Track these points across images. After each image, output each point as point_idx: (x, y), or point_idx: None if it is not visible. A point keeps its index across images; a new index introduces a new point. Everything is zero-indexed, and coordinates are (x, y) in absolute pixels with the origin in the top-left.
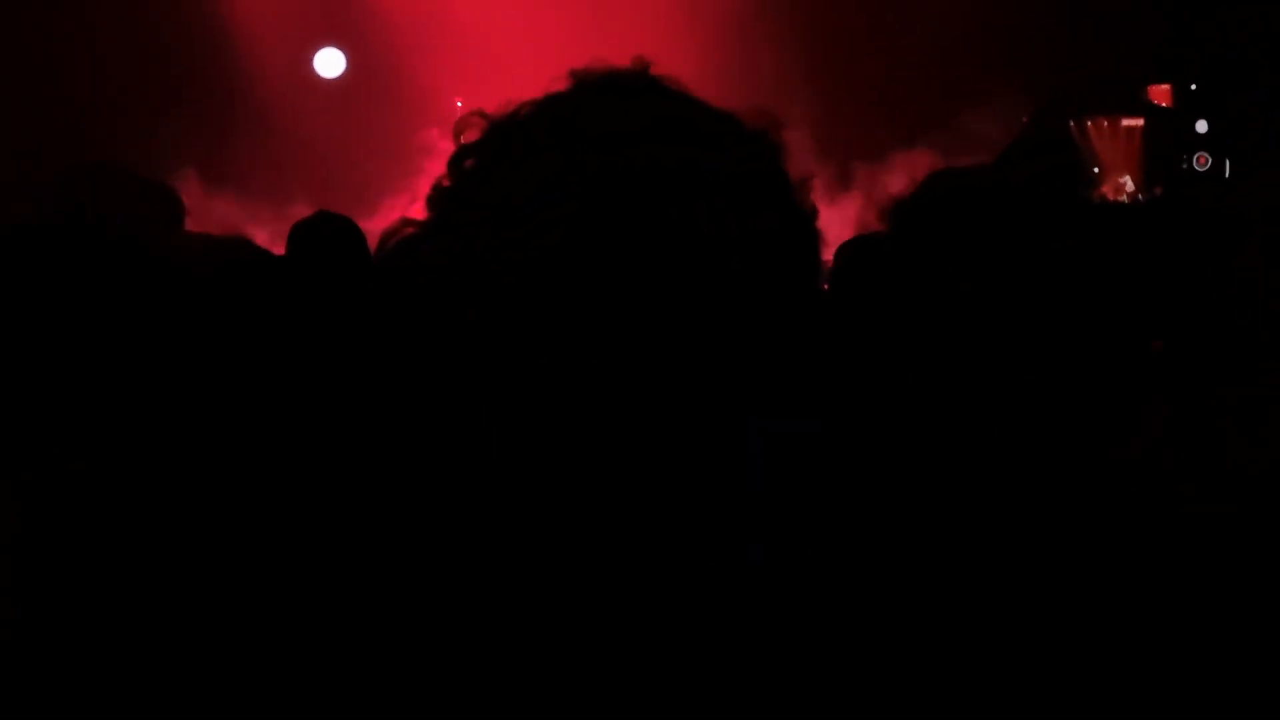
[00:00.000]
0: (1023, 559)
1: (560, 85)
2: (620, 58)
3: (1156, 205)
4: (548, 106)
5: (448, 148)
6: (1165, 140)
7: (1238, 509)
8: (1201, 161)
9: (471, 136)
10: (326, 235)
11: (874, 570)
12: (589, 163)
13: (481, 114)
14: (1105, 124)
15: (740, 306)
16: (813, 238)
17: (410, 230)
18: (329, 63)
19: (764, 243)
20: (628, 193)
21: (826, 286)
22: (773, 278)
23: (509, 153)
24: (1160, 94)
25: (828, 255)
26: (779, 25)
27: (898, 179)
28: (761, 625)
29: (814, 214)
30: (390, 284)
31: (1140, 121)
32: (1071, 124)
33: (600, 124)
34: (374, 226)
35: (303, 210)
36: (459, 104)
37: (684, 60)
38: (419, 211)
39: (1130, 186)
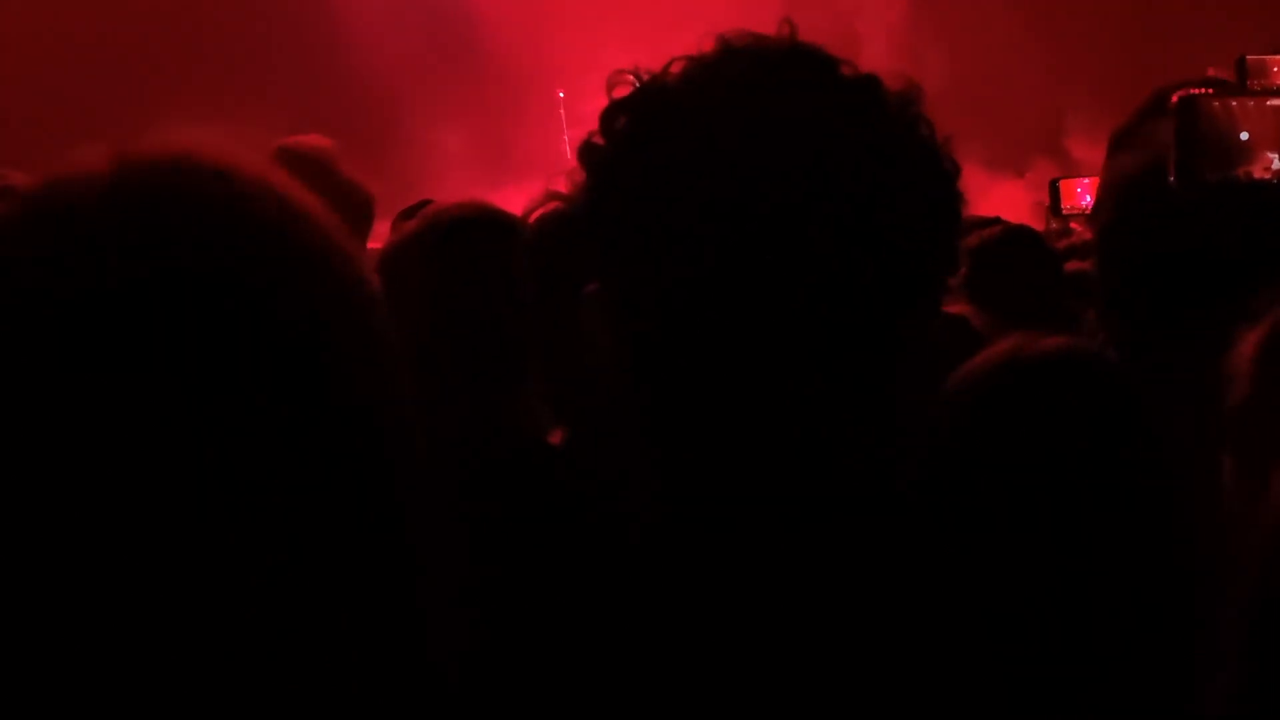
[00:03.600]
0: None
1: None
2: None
3: None
4: (697, 69)
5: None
6: None
7: None
8: None
9: (621, 93)
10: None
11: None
12: (737, 126)
13: (631, 71)
14: (1250, 104)
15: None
16: (955, 196)
17: (557, 204)
18: None
19: (909, 203)
20: (778, 156)
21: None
22: (918, 236)
23: (661, 118)
24: None
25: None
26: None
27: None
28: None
29: (957, 172)
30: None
31: None
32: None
33: (750, 88)
34: None
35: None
36: (560, 95)
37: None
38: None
39: (1277, 164)
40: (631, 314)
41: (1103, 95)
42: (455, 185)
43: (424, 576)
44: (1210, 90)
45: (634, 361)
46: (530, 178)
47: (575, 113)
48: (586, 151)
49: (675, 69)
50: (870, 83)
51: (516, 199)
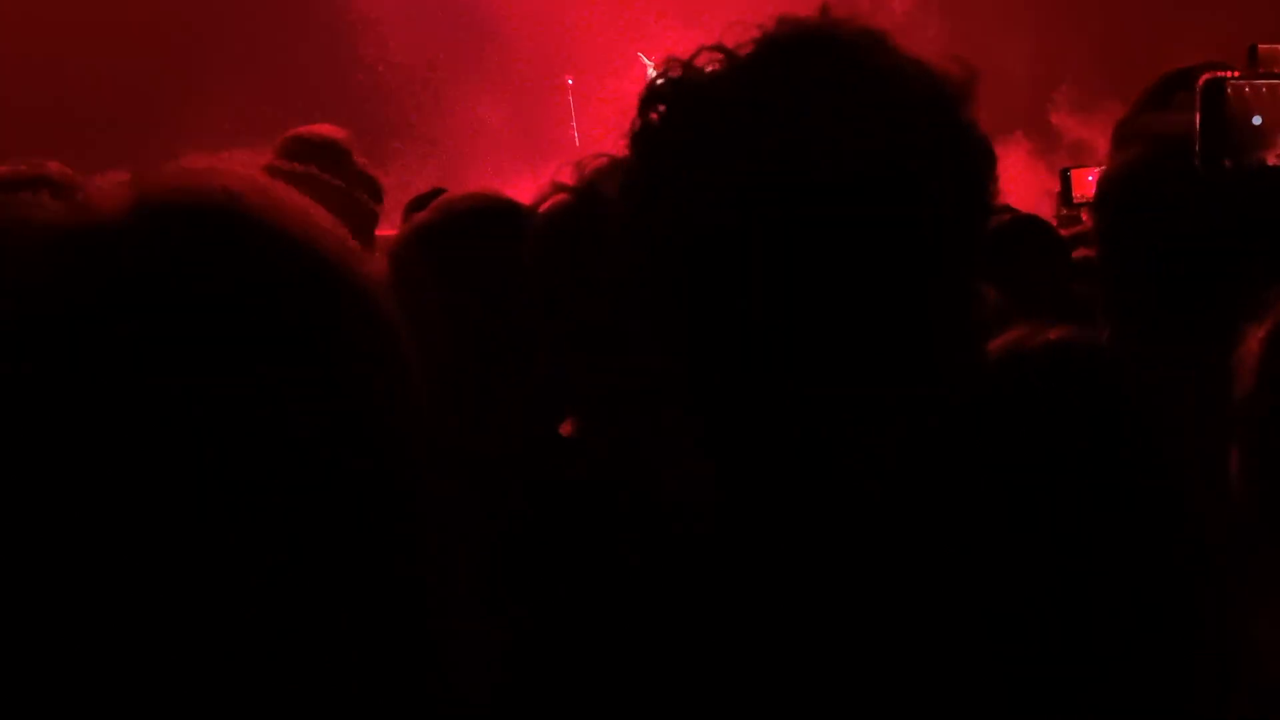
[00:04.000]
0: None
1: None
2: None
3: None
4: (738, 59)
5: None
6: None
7: None
8: None
9: (662, 82)
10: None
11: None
12: (777, 113)
13: (673, 58)
14: (1264, 88)
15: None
16: (989, 186)
17: (563, 196)
18: None
19: (946, 190)
20: (818, 141)
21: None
22: (951, 225)
23: (699, 108)
24: None
25: None
26: None
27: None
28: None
29: (993, 161)
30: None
31: None
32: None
33: (789, 73)
34: None
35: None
36: (570, 81)
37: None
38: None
39: None
40: (678, 305)
41: (1089, 73)
42: (464, 174)
43: (433, 575)
44: (1234, 74)
45: (682, 351)
46: (540, 165)
47: (584, 99)
48: (631, 142)
49: (718, 57)
50: (916, 68)
51: (526, 187)
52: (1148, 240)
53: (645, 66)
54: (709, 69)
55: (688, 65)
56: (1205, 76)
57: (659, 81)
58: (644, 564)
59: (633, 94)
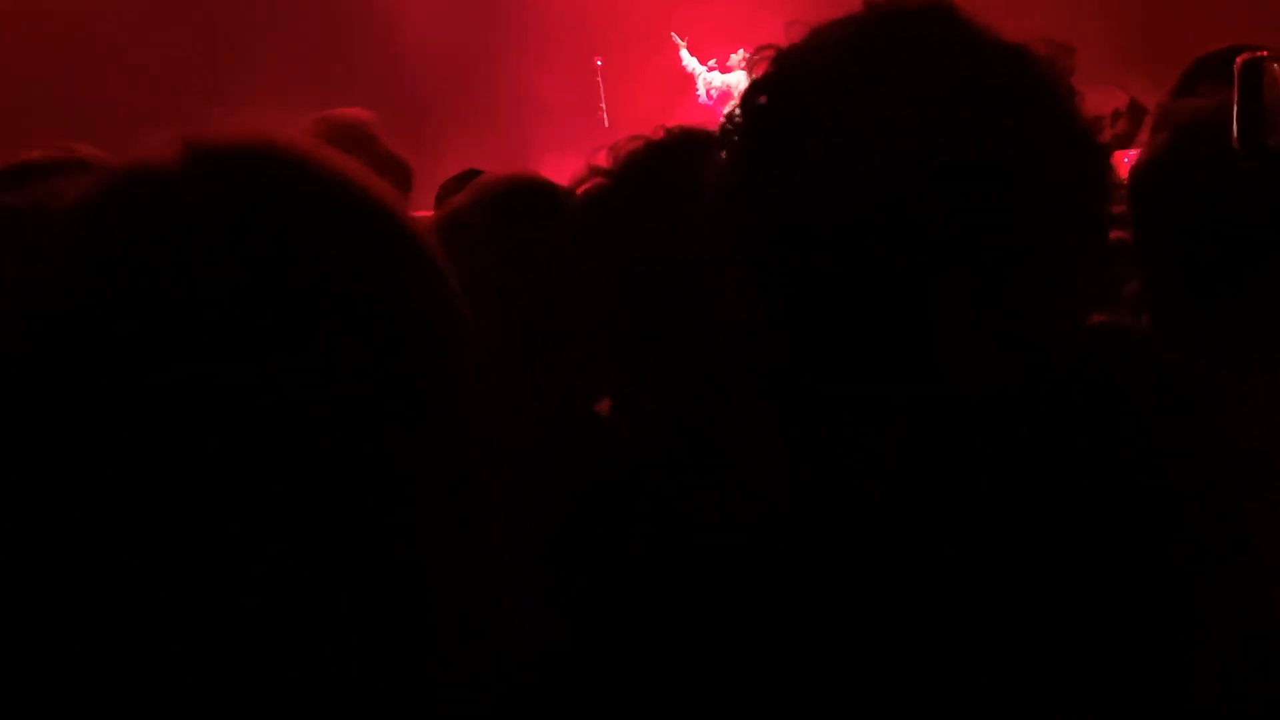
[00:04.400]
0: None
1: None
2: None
3: None
4: (840, 41)
5: None
6: None
7: None
8: None
9: (761, 70)
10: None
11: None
12: (878, 103)
13: (773, 47)
14: None
15: None
16: (1104, 166)
17: (600, 180)
18: None
19: (1055, 178)
20: (921, 131)
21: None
22: (1064, 212)
23: (802, 90)
24: None
25: None
26: None
27: None
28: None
29: (1100, 147)
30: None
31: None
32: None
33: (894, 60)
34: None
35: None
36: (599, 63)
37: None
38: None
39: None
40: (774, 291)
41: (1103, 52)
42: (495, 154)
43: (439, 562)
44: (1265, 52)
45: (774, 339)
46: (569, 147)
47: (613, 81)
48: (726, 131)
49: (814, 42)
50: (1017, 52)
51: (556, 168)
52: (1177, 227)
53: (677, 46)
54: (809, 56)
55: (788, 53)
56: (1243, 56)
57: (761, 71)
58: (672, 557)
59: (663, 75)
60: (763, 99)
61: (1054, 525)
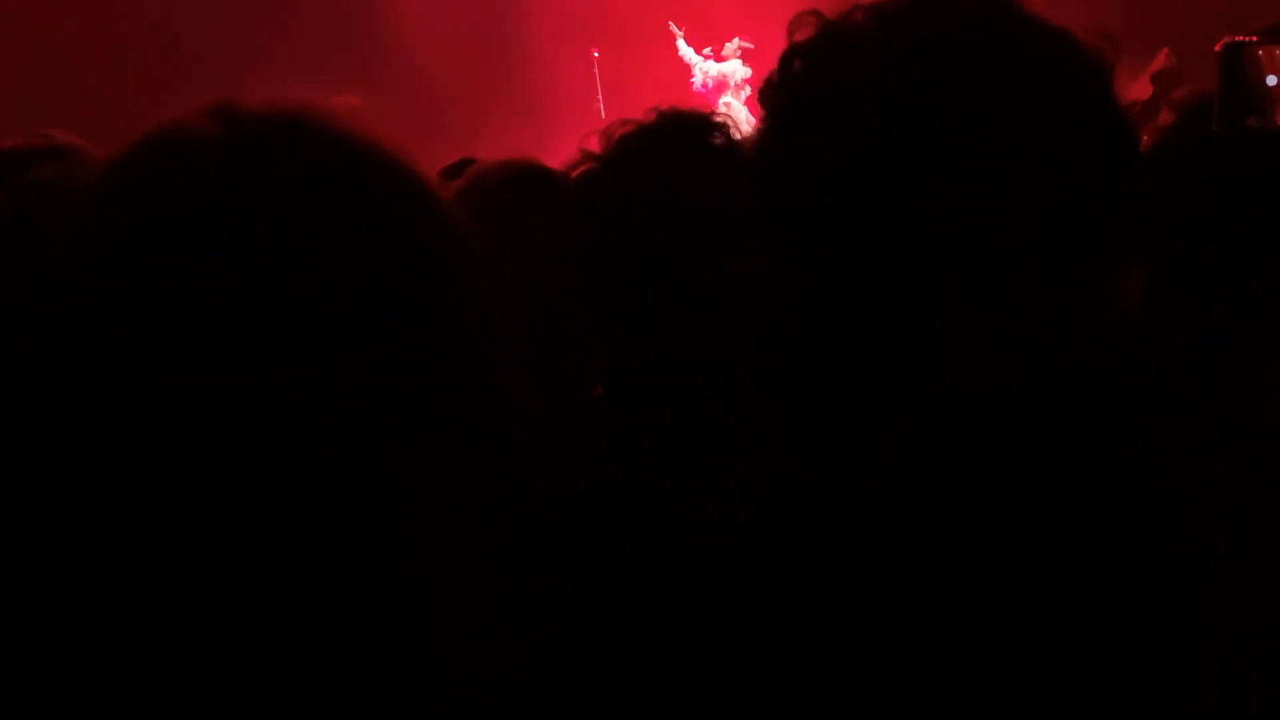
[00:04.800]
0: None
1: None
2: None
3: None
4: (882, 14)
5: None
6: None
7: None
8: None
9: (803, 35)
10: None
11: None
12: (918, 76)
13: (816, 13)
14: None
15: None
16: (1134, 158)
17: (591, 165)
18: None
19: (1091, 163)
20: (958, 107)
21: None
22: (1096, 197)
23: (839, 60)
24: None
25: None
26: None
27: None
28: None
29: (1136, 137)
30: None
31: None
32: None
33: (932, 37)
34: None
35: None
36: (595, 54)
37: None
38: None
39: None
40: (801, 260)
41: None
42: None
43: (438, 575)
44: (1254, 38)
45: (797, 308)
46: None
47: (609, 72)
48: (765, 90)
49: (857, 16)
50: (1061, 36)
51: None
52: (1173, 217)
53: (675, 36)
54: (850, 25)
55: (829, 21)
56: (1225, 39)
57: (801, 36)
58: (669, 557)
59: (661, 66)
60: (798, 64)
61: (1054, 525)
